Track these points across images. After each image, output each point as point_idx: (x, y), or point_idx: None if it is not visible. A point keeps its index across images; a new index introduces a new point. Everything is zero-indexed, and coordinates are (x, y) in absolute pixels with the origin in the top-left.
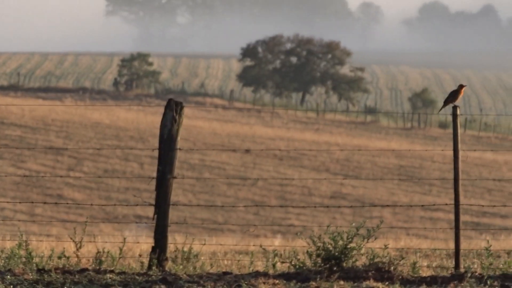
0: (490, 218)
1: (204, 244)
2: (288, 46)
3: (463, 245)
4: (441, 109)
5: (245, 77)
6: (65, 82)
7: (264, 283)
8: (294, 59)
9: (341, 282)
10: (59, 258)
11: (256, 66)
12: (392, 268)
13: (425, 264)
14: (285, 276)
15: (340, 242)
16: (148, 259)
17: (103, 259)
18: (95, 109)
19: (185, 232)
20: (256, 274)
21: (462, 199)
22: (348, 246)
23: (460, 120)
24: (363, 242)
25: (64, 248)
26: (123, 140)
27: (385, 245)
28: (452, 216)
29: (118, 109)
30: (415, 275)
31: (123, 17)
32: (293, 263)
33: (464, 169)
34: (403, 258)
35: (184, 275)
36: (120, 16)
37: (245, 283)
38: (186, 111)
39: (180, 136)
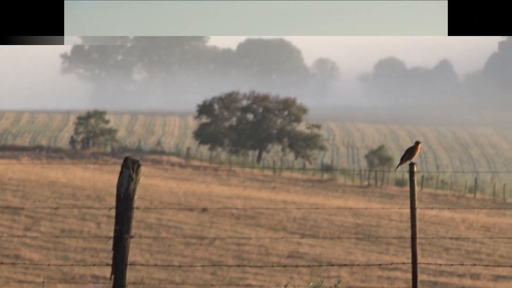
0: (448, 277)
1: None
2: (244, 102)
3: None
4: (398, 167)
5: (202, 134)
6: (21, 140)
7: None
8: (250, 116)
9: None
10: None
11: (212, 123)
12: None
13: None
14: None
15: None
16: None
17: None
18: (52, 168)
19: None
20: None
21: (419, 258)
22: None
23: (417, 177)
24: None
25: None
26: (80, 199)
27: None
28: (409, 275)
29: (74, 167)
30: None
31: (79, 74)
32: None
33: (421, 228)
34: None
35: None
36: (76, 73)
37: None
38: (143, 169)
39: (137, 195)
